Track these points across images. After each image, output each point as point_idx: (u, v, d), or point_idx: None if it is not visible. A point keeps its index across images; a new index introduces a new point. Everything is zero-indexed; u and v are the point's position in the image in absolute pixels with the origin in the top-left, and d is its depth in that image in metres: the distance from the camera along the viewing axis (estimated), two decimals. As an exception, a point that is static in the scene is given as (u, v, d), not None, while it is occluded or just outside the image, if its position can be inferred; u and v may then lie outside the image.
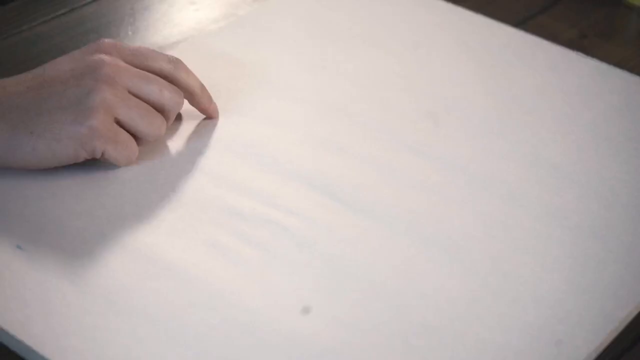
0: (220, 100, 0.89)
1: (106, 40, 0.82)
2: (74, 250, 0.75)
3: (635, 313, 0.74)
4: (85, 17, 1.00)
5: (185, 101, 0.86)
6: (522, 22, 1.04)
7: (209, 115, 0.88)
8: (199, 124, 0.88)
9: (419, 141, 0.87)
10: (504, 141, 0.87)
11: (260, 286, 0.73)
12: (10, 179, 0.80)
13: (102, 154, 0.80)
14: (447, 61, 0.97)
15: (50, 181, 0.80)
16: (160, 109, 0.82)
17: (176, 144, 0.86)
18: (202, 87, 0.87)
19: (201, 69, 0.89)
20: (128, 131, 0.81)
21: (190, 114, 0.88)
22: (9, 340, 0.70)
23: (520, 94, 0.93)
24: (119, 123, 0.80)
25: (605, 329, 0.72)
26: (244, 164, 0.84)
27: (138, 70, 0.82)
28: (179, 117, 0.88)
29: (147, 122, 0.81)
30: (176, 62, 0.84)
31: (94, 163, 0.82)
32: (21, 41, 0.96)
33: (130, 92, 0.80)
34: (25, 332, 0.69)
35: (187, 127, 0.87)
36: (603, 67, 0.97)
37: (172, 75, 0.84)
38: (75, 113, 0.78)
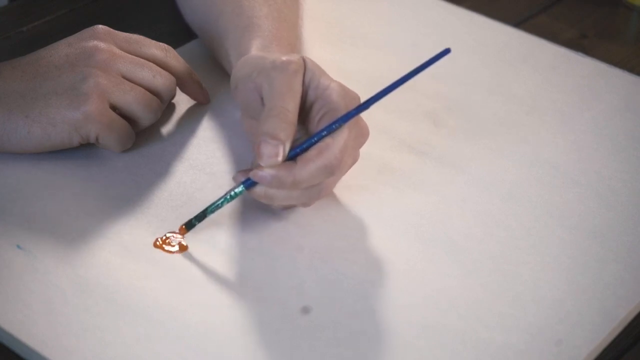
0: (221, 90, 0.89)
1: (100, 26, 0.83)
2: (74, 250, 0.75)
3: (635, 313, 0.75)
4: (85, 17, 1.00)
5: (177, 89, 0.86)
6: (522, 22, 1.04)
7: (200, 101, 0.89)
8: (190, 110, 0.88)
9: (419, 141, 0.87)
10: (504, 141, 0.87)
11: (260, 286, 0.73)
12: (11, 178, 0.80)
13: (97, 139, 0.80)
14: (447, 61, 0.96)
15: (50, 181, 0.80)
16: (154, 94, 0.83)
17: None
18: (193, 73, 0.87)
19: (202, 68, 0.89)
20: (124, 116, 0.81)
21: (182, 100, 0.89)
22: (9, 340, 0.70)
23: (520, 94, 0.93)
24: (114, 108, 0.80)
25: (605, 328, 0.72)
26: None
27: (132, 56, 0.82)
28: (171, 104, 0.88)
29: (142, 106, 0.81)
30: (167, 49, 0.85)
31: (93, 162, 0.82)
32: (21, 41, 0.96)
33: (124, 78, 0.81)
34: (26, 332, 0.69)
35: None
36: (603, 67, 0.97)
37: (163, 62, 0.84)
38: (70, 98, 0.78)
